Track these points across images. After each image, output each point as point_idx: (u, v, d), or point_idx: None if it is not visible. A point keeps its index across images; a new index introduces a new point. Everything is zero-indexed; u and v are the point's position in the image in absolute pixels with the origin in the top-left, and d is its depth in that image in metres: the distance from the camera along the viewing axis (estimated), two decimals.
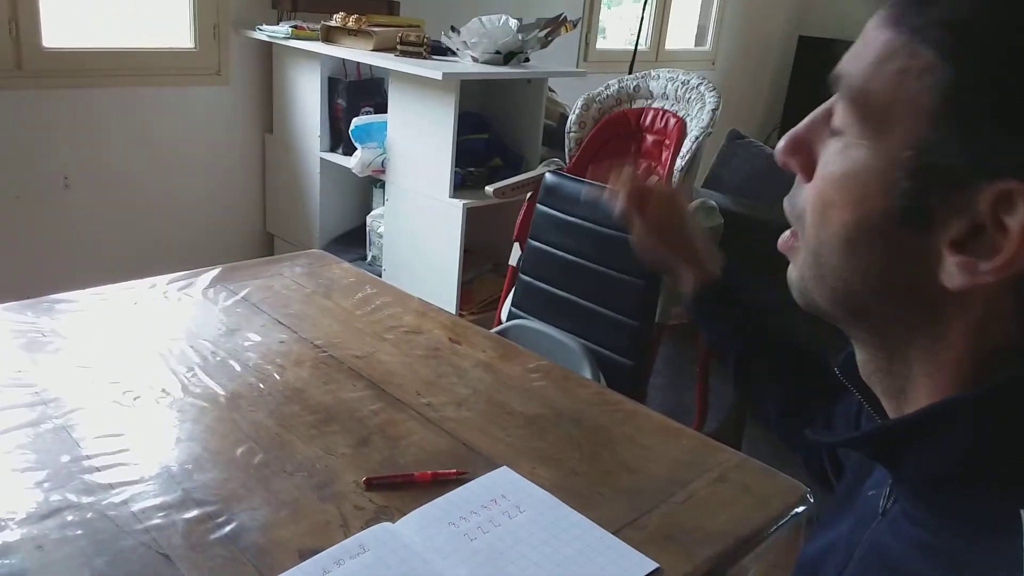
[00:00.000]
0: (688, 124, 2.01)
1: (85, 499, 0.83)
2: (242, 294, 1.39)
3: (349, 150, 2.60)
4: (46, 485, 0.85)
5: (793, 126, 0.49)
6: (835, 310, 0.48)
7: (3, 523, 0.79)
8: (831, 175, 0.45)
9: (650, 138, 2.12)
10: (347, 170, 2.58)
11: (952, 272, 0.41)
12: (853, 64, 0.44)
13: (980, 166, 0.39)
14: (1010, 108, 0.38)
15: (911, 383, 0.46)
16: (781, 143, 0.49)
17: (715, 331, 0.92)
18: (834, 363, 0.81)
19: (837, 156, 0.45)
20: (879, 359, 0.48)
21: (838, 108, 0.45)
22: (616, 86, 2.17)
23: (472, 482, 0.91)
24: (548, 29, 2.40)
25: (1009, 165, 0.38)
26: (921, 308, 0.43)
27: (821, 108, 0.48)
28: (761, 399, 0.89)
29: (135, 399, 1.04)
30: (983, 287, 0.40)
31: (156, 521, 0.81)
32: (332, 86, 2.65)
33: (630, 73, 3.55)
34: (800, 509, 0.93)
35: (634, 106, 2.15)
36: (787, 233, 0.51)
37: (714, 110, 1.94)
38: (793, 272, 0.50)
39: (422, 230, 2.43)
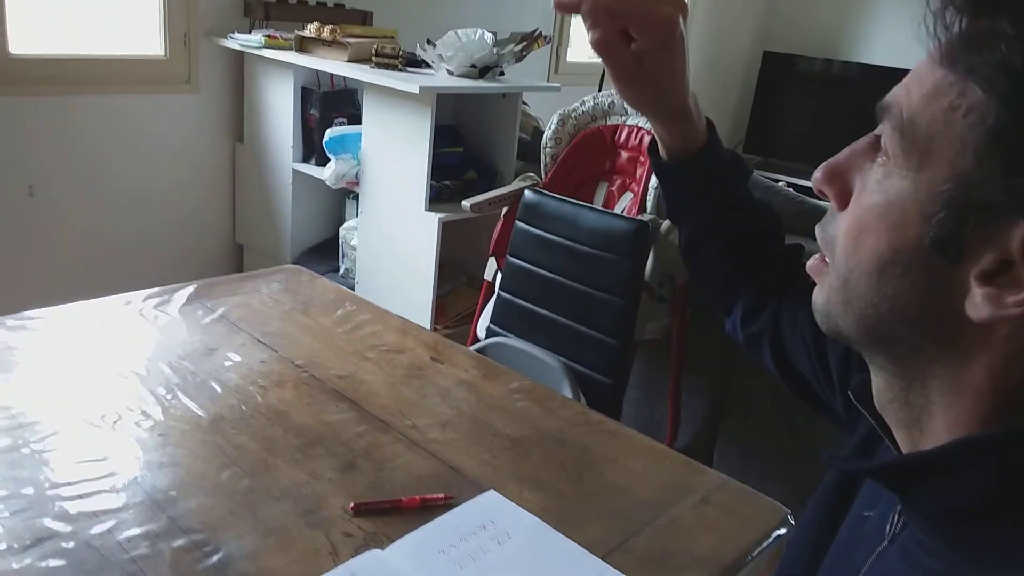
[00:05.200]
0: None
1: (68, 528, 0.82)
2: (220, 312, 1.37)
3: (322, 161, 2.58)
4: (27, 514, 0.83)
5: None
6: (859, 336, 0.49)
7: None
8: (871, 202, 0.47)
9: (625, 154, 2.14)
10: (320, 181, 2.56)
11: (978, 303, 0.42)
12: (904, 96, 0.45)
13: (1016, 204, 0.40)
14: None
15: (928, 414, 0.47)
16: (818, 171, 0.51)
17: (678, 200, 0.85)
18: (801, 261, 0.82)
19: (878, 184, 0.47)
20: (897, 387, 0.49)
21: (885, 137, 0.47)
22: (591, 102, 2.19)
23: (460, 507, 0.91)
24: (523, 44, 2.41)
25: None
26: (945, 339, 0.45)
27: (862, 140, 0.49)
28: (706, 280, 0.87)
29: (115, 422, 1.02)
30: (1007, 322, 0.42)
31: (142, 551, 0.80)
32: (305, 96, 2.64)
33: (601, 86, 3.59)
34: (782, 531, 0.95)
35: (609, 122, 2.18)
36: (816, 257, 0.52)
37: None
38: (819, 296, 0.51)
39: (397, 243, 2.42)
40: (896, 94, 0.46)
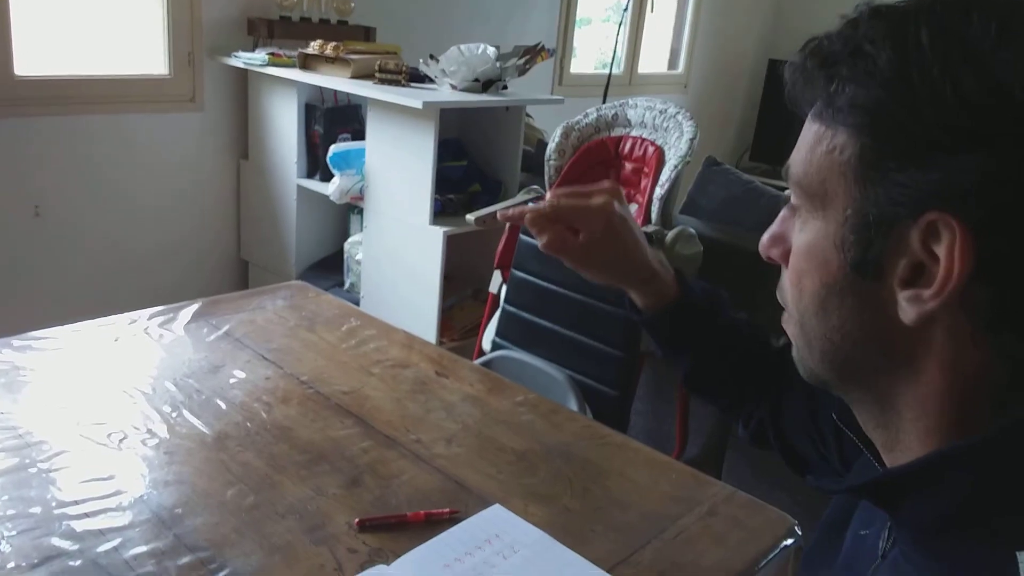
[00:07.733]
0: (666, 152, 2.04)
1: (75, 546, 0.82)
2: (225, 328, 1.38)
3: (326, 176, 2.59)
4: (34, 533, 0.83)
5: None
6: (829, 373, 0.53)
7: None
8: (797, 249, 0.52)
9: (629, 166, 2.15)
10: (324, 196, 2.57)
11: (904, 307, 0.45)
12: (795, 156, 0.52)
13: (902, 205, 0.44)
14: (909, 152, 0.44)
15: (903, 431, 0.50)
16: (763, 239, 0.57)
17: (664, 348, 0.93)
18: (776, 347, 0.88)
19: (801, 233, 0.52)
20: (874, 414, 0.52)
21: (792, 194, 0.53)
22: (595, 114, 2.20)
23: (465, 521, 0.91)
24: (526, 58, 2.42)
25: (924, 198, 0.43)
26: (894, 351, 0.48)
27: (787, 206, 0.55)
28: (713, 404, 0.97)
29: (121, 440, 1.02)
30: (938, 321, 0.45)
31: (148, 568, 0.80)
32: (309, 112, 2.65)
33: (605, 97, 3.61)
34: (789, 542, 0.95)
35: (612, 134, 2.18)
36: (784, 315, 0.57)
37: (692, 139, 1.97)
38: (794, 350, 0.56)
39: (401, 257, 2.43)
40: (791, 157, 0.53)
